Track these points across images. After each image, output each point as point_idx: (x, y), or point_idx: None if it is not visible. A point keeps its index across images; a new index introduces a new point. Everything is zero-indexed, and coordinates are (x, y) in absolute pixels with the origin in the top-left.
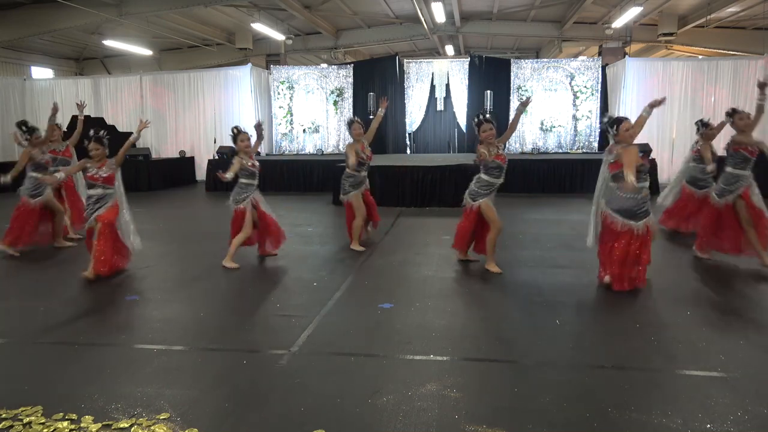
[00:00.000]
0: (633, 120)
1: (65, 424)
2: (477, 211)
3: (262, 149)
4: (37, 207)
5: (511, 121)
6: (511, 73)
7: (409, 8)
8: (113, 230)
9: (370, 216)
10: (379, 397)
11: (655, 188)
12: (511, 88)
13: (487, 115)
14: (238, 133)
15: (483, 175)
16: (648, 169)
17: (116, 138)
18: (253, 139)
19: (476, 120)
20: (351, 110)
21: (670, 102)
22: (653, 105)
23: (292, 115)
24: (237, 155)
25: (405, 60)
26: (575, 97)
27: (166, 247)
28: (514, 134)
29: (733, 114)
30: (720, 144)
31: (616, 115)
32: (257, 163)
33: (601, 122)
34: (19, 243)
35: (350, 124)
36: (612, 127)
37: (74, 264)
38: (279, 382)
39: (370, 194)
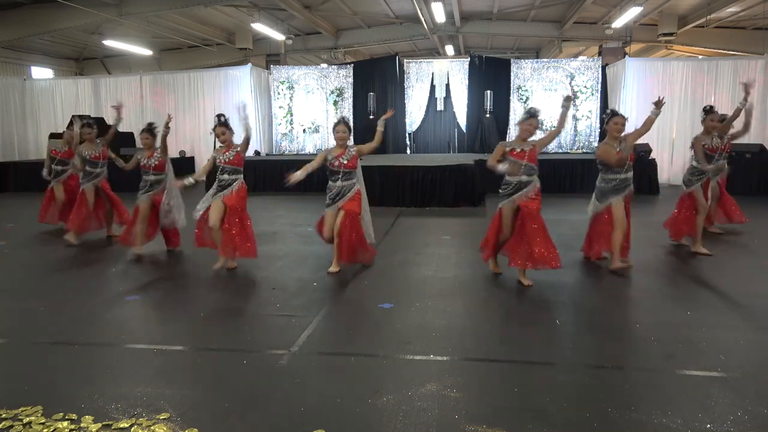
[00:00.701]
0: (639, 122)
1: (65, 424)
2: (499, 214)
3: (262, 149)
4: (92, 192)
5: (558, 120)
6: (511, 73)
7: (409, 8)
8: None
9: (339, 247)
10: (379, 397)
11: (655, 188)
12: (511, 88)
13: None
14: (217, 124)
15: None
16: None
17: (115, 138)
18: (235, 136)
19: (529, 111)
20: (351, 110)
21: (670, 102)
22: (658, 105)
23: (292, 115)
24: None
25: (405, 60)
26: (575, 97)
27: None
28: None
29: (708, 112)
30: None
31: (617, 110)
32: (229, 158)
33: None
34: (84, 228)
35: (335, 125)
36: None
37: (74, 264)
38: (279, 382)
39: (352, 224)
